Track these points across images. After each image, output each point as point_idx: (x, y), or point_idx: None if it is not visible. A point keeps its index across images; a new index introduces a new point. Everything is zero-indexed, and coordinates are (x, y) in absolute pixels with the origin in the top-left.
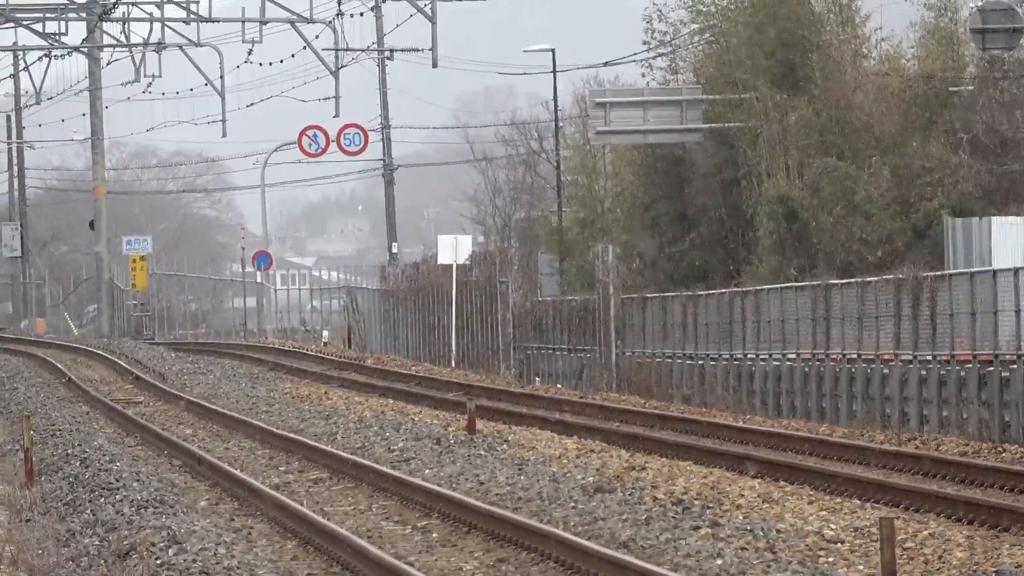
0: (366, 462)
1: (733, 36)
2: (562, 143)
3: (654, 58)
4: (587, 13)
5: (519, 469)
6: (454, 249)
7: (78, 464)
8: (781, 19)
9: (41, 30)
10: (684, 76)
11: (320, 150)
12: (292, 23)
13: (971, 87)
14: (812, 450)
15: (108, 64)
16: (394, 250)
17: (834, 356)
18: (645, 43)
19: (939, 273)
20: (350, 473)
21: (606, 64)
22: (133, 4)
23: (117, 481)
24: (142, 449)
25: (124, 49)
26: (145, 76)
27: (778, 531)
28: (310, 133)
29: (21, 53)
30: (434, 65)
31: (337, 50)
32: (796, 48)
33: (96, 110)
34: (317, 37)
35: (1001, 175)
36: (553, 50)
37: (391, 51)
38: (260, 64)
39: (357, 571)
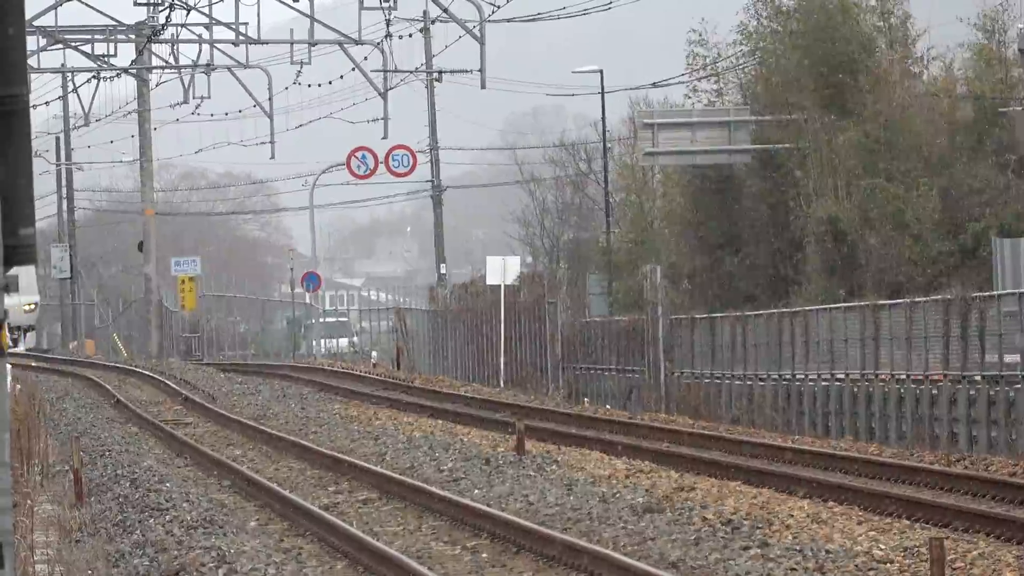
0: (415, 482)
1: (782, 57)
2: (611, 164)
3: (699, 80)
4: (637, 33)
5: (568, 489)
6: (503, 270)
7: (127, 485)
8: (831, 40)
9: (90, 52)
10: (730, 98)
11: (369, 171)
12: (341, 44)
13: (1020, 108)
14: (861, 470)
15: (157, 85)
16: (442, 271)
17: (883, 376)
18: (688, 66)
19: (988, 293)
20: (399, 493)
21: (654, 85)
22: (182, 26)
23: (167, 502)
24: (191, 470)
25: (173, 71)
26: (194, 97)
27: (827, 551)
28: (359, 154)
29: (70, 75)
30: (483, 86)
31: (386, 71)
32: (845, 69)
33: (145, 132)
34: (366, 58)
35: None
36: (602, 71)
37: (440, 72)
38: (309, 85)
39: None
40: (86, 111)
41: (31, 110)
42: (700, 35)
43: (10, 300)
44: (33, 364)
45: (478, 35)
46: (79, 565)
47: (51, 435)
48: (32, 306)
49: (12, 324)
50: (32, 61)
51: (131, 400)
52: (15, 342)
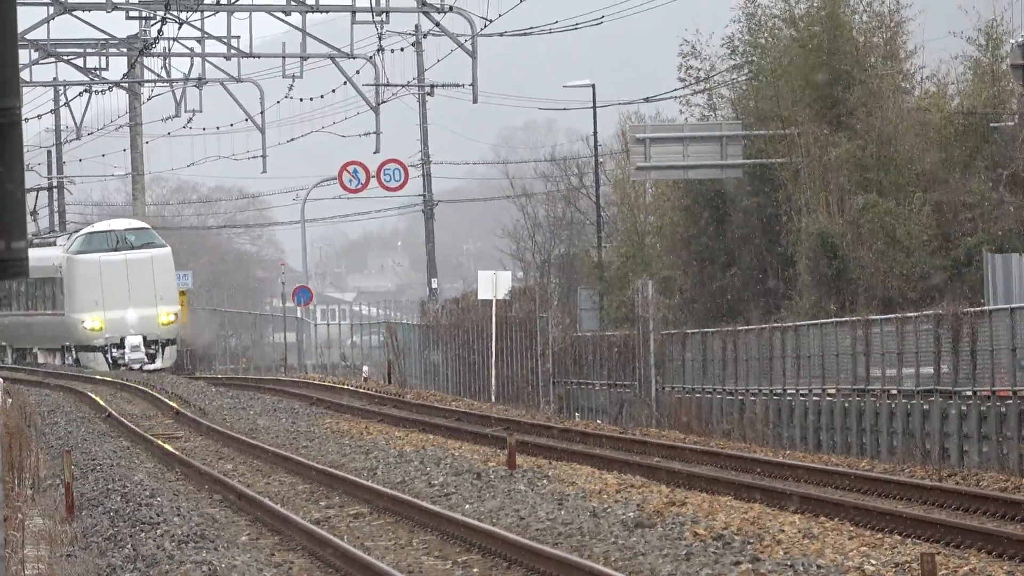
0: (406, 497)
1: (773, 72)
2: (602, 178)
3: (692, 95)
4: (629, 48)
5: (559, 504)
6: (494, 285)
7: (119, 499)
8: (825, 52)
9: (82, 65)
10: (723, 112)
11: (360, 186)
12: (333, 58)
13: (1012, 123)
14: (852, 485)
15: (149, 99)
16: (434, 285)
17: (874, 391)
18: (681, 79)
19: (979, 309)
20: (390, 508)
21: (647, 100)
22: (174, 39)
23: (158, 516)
24: (183, 484)
25: (165, 84)
26: (186, 111)
27: (819, 566)
28: (350, 168)
29: (62, 88)
30: (474, 100)
31: (378, 85)
32: (839, 83)
33: (136, 145)
34: (358, 72)
35: None
36: (593, 85)
37: (431, 87)
38: (300, 99)
39: None
40: (78, 124)
41: (23, 123)
42: (692, 46)
43: (146, 311)
44: (24, 378)
45: (470, 49)
46: None
47: (42, 449)
48: (172, 317)
49: (149, 338)
50: (24, 74)
51: (122, 414)
52: (152, 358)
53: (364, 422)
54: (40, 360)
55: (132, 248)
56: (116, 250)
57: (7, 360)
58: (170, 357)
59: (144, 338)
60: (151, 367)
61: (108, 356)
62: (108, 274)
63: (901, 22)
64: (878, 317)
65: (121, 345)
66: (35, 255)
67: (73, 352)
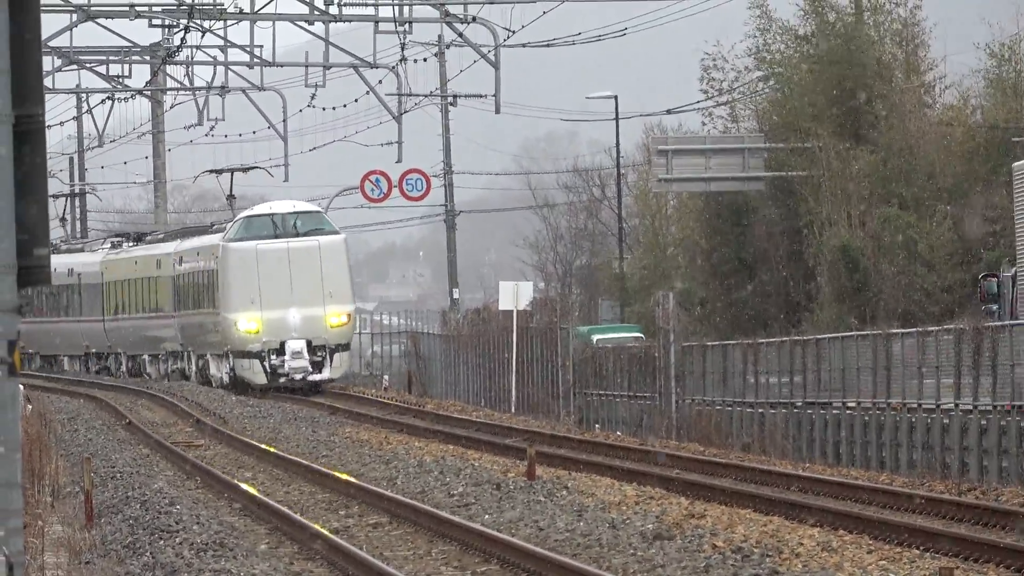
0: (426, 507)
1: (797, 84)
2: (624, 190)
3: (715, 107)
4: (652, 60)
5: (579, 515)
6: (515, 295)
7: (138, 506)
8: (847, 66)
9: (105, 72)
10: (746, 124)
11: (382, 195)
12: (355, 68)
13: None
14: (872, 499)
15: (171, 107)
16: (455, 296)
17: (894, 405)
18: (703, 91)
19: (1000, 323)
20: (409, 518)
21: (669, 112)
22: (197, 47)
23: (177, 524)
24: (202, 492)
25: (187, 92)
26: (208, 119)
27: None
28: (372, 178)
29: (84, 95)
30: (497, 111)
31: (400, 95)
32: (860, 96)
33: (159, 153)
34: (380, 82)
35: None
36: (616, 97)
37: (454, 97)
38: (323, 108)
39: None
40: (100, 132)
41: (46, 130)
42: (714, 59)
43: (312, 310)
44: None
45: (493, 60)
46: None
47: (62, 456)
48: (344, 318)
49: (314, 343)
50: (47, 82)
51: (143, 422)
52: (317, 367)
53: (384, 431)
54: (212, 370)
55: (297, 235)
56: (277, 237)
57: (191, 368)
58: (340, 366)
59: (309, 343)
60: (316, 378)
61: (266, 364)
62: (266, 266)
63: (920, 34)
64: (899, 331)
65: (281, 351)
66: (200, 244)
67: (230, 359)
